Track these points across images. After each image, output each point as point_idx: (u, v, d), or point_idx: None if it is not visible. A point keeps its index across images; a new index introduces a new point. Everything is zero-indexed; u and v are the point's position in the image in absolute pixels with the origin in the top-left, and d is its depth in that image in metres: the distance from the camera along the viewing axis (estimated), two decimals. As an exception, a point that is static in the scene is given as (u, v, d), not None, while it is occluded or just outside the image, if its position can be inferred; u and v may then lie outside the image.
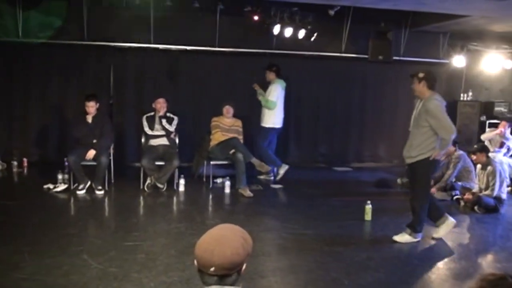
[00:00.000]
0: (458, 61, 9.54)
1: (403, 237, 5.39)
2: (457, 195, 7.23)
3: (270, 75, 8.05)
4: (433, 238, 5.51)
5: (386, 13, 8.01)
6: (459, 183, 7.35)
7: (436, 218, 5.55)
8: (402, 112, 9.01)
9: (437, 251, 5.30)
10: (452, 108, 10.16)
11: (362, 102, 9.88)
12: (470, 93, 10.26)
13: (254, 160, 7.43)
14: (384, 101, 9.82)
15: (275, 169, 8.11)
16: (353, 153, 10.01)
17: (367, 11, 7.87)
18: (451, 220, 5.50)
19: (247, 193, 7.11)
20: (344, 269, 4.59)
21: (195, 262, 1.92)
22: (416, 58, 9.48)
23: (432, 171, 5.36)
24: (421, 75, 5.22)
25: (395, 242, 5.37)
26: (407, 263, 4.90)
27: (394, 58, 9.30)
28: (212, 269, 1.84)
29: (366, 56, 9.26)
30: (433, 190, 7.36)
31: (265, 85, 8.09)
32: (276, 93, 7.94)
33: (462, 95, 10.24)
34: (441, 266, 4.89)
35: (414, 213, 5.41)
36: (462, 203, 7.04)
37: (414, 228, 5.38)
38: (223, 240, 1.88)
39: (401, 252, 5.17)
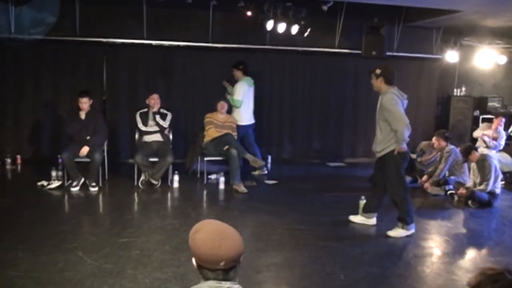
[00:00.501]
0: (451, 56, 9.55)
1: (396, 232, 5.42)
2: (451, 189, 7.26)
3: (238, 73, 8.00)
4: (348, 220, 5.84)
5: (379, 9, 8.03)
6: (453, 177, 7.37)
7: (368, 209, 5.75)
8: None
9: (432, 246, 5.34)
10: (445, 104, 10.27)
11: (355, 98, 9.89)
12: (464, 88, 10.29)
13: (248, 156, 7.42)
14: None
15: None
16: (346, 149, 10.03)
17: (360, 7, 7.89)
18: (372, 220, 5.75)
19: (241, 189, 7.11)
20: (338, 264, 4.61)
21: (194, 260, 1.92)
22: (409, 54, 9.51)
23: (401, 162, 5.37)
24: (378, 71, 5.37)
25: (389, 237, 5.40)
26: (402, 258, 4.93)
27: (388, 53, 9.29)
28: (222, 263, 1.84)
29: (359, 52, 9.25)
30: (427, 185, 7.43)
31: (234, 83, 8.10)
32: (241, 91, 7.88)
33: (455, 90, 10.28)
34: (436, 260, 4.92)
35: (397, 207, 5.46)
36: (456, 197, 7.07)
37: (404, 221, 5.42)
38: (224, 234, 1.90)
39: (396, 246, 5.20)
